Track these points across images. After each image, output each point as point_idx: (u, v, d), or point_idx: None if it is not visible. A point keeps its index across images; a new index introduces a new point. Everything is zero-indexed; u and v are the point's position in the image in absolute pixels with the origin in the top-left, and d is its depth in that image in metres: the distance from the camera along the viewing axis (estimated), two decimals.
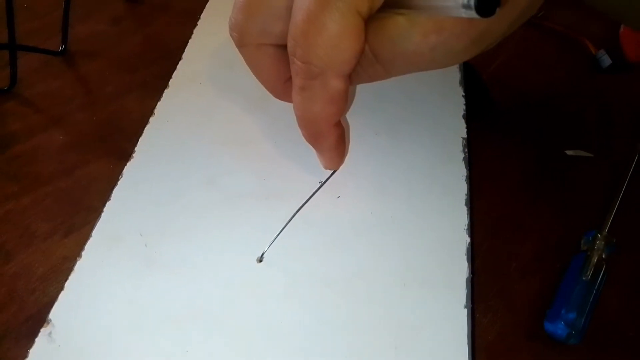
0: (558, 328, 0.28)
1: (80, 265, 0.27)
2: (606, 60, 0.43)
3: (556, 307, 0.29)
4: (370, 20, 0.21)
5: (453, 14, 0.19)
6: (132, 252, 0.28)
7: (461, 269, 0.28)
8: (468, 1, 0.18)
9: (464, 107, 0.35)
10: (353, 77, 0.24)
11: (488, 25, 0.21)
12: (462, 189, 0.31)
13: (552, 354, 0.28)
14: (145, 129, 0.33)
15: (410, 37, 0.21)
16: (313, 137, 0.26)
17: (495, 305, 0.30)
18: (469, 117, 0.34)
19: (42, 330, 0.25)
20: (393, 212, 0.30)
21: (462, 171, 0.32)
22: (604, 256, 0.31)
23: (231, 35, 0.26)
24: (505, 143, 0.37)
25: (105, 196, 0.30)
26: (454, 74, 0.37)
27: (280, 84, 0.27)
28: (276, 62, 0.26)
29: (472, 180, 0.32)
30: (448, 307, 0.26)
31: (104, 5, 0.45)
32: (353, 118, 0.34)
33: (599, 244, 0.31)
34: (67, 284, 0.26)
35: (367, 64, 0.23)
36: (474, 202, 0.31)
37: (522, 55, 0.44)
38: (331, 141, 0.26)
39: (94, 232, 0.28)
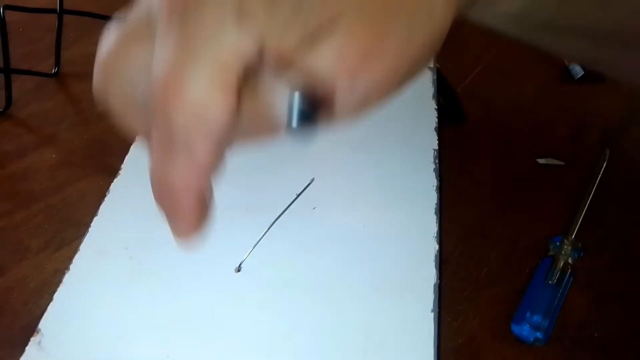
0: (523, 330, 0.29)
1: (68, 278, 0.29)
2: (578, 71, 0.45)
3: (522, 310, 0.30)
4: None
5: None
6: (118, 265, 0.29)
7: (429, 275, 0.29)
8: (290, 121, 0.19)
9: (436, 119, 0.37)
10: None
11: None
12: (432, 198, 0.32)
13: (519, 355, 0.29)
14: (131, 146, 0.35)
15: None
16: (167, 204, 0.22)
17: (465, 309, 0.31)
18: (440, 128, 0.36)
19: (32, 339, 0.26)
20: (366, 222, 0.31)
21: (432, 181, 0.33)
22: (570, 260, 0.32)
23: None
24: (478, 152, 0.39)
25: (94, 211, 0.32)
26: (427, 87, 0.39)
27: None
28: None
29: (442, 190, 0.33)
30: (416, 312, 0.28)
31: (94, 28, 0.46)
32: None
33: (566, 248, 0.32)
34: (55, 295, 0.28)
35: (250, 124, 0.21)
36: (443, 211, 0.32)
37: (497, 66, 0.46)
38: (187, 213, 0.22)
39: (82, 246, 0.30)
